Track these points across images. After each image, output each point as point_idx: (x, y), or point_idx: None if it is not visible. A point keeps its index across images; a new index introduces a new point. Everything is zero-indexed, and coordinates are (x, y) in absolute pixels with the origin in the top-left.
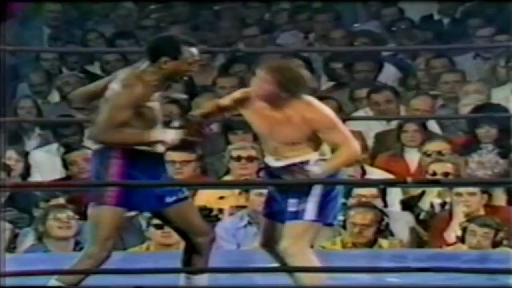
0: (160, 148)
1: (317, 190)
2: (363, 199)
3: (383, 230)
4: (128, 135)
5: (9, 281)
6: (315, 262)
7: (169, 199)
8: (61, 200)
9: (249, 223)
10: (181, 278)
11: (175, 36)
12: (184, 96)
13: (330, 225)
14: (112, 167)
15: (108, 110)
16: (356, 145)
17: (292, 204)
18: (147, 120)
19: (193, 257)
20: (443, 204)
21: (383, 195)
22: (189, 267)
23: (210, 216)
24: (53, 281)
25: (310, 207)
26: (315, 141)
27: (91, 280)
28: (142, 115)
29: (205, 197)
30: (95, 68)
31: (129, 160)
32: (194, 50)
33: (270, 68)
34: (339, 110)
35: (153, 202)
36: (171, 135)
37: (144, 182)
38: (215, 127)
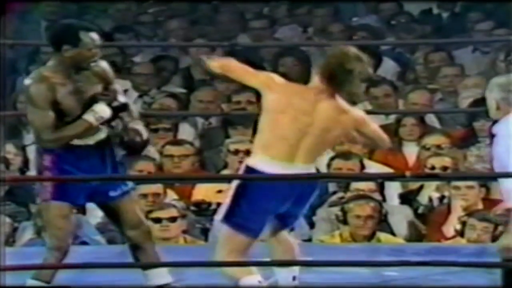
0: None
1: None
2: (361, 193)
3: (383, 220)
4: (68, 128)
5: (8, 275)
6: None
7: (113, 193)
8: None
9: None
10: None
11: (74, 22)
12: (183, 90)
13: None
14: (45, 161)
15: (36, 116)
16: None
17: None
18: (69, 111)
19: (137, 253)
20: (441, 198)
21: (381, 189)
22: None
23: (208, 210)
24: (30, 280)
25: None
26: None
27: (89, 275)
28: (64, 109)
29: (204, 191)
30: None
31: (60, 154)
32: (94, 35)
33: None
34: None
35: (89, 195)
36: (102, 109)
37: (147, 176)
38: (214, 121)
